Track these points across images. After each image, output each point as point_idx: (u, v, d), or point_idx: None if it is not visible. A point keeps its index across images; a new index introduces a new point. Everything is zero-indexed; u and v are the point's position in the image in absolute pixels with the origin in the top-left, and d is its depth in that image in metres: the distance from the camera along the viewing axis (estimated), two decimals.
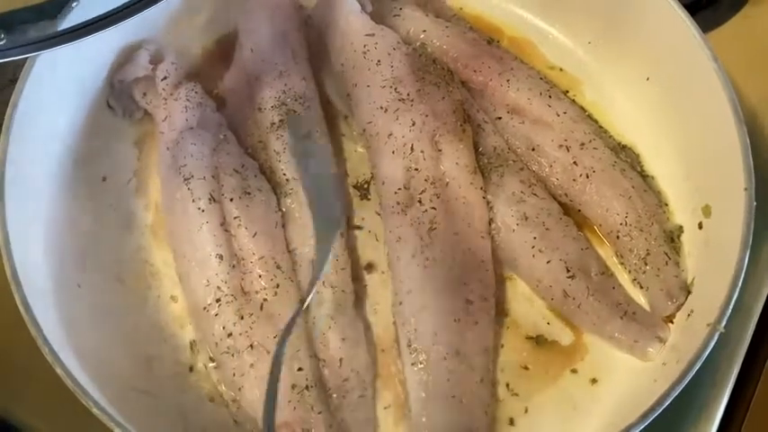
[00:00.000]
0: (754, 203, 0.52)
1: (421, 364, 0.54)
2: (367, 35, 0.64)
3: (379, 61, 0.63)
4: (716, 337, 0.46)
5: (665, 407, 0.46)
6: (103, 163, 0.63)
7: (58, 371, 0.47)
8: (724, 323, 0.47)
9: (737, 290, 0.48)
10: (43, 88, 0.57)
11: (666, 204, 0.62)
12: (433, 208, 0.58)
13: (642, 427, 0.44)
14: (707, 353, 0.46)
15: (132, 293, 0.59)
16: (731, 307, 0.47)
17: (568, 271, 0.58)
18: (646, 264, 0.59)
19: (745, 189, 0.52)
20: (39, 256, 0.53)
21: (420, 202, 0.59)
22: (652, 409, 0.45)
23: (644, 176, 0.64)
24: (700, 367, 0.49)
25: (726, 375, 0.56)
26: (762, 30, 0.75)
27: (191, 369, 0.56)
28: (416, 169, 0.59)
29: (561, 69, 0.70)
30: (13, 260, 0.48)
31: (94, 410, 0.45)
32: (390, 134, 0.61)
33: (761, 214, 0.54)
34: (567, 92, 0.68)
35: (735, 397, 0.57)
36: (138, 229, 0.61)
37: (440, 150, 0.60)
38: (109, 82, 0.64)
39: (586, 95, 0.69)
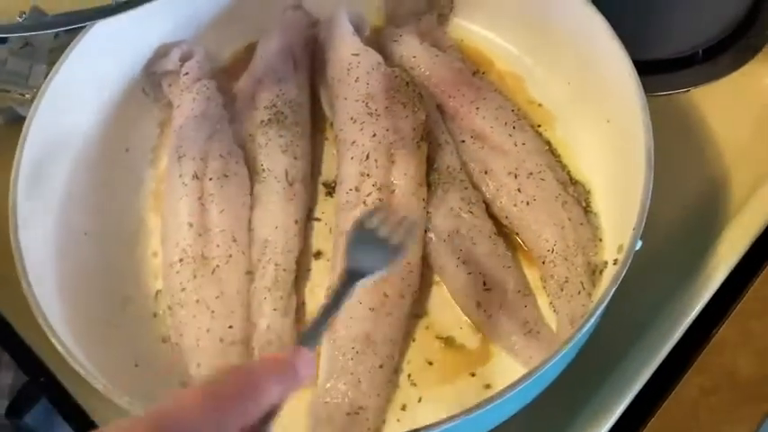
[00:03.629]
0: (640, 242, 0.56)
1: (334, 341, 0.62)
2: (353, 54, 0.73)
3: (357, 78, 0.72)
4: (572, 341, 0.52)
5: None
6: (130, 137, 0.76)
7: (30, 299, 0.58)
8: (579, 335, 0.52)
9: (598, 311, 0.53)
10: (88, 64, 0.70)
11: (600, 240, 0.66)
12: None
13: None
14: (564, 350, 0.52)
15: (125, 245, 0.70)
16: (590, 322, 0.53)
17: (485, 284, 0.64)
18: (562, 290, 0.64)
19: (633, 229, 0.56)
20: (54, 199, 0.66)
21: (365, 203, 0.66)
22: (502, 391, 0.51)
23: (587, 212, 0.68)
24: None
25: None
26: (755, 89, 0.76)
27: (154, 315, 0.67)
28: (368, 175, 0.67)
29: (540, 105, 0.75)
30: (16, 191, 0.61)
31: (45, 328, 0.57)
32: (354, 142, 0.69)
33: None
34: (540, 126, 0.74)
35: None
36: (144, 194, 0.74)
37: (393, 162, 0.68)
38: (145, 71, 0.77)
39: (557, 131, 0.73)
